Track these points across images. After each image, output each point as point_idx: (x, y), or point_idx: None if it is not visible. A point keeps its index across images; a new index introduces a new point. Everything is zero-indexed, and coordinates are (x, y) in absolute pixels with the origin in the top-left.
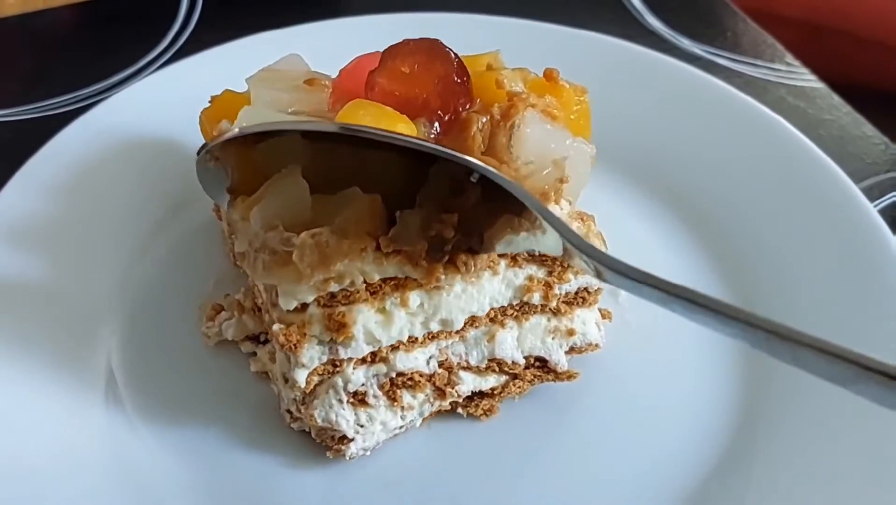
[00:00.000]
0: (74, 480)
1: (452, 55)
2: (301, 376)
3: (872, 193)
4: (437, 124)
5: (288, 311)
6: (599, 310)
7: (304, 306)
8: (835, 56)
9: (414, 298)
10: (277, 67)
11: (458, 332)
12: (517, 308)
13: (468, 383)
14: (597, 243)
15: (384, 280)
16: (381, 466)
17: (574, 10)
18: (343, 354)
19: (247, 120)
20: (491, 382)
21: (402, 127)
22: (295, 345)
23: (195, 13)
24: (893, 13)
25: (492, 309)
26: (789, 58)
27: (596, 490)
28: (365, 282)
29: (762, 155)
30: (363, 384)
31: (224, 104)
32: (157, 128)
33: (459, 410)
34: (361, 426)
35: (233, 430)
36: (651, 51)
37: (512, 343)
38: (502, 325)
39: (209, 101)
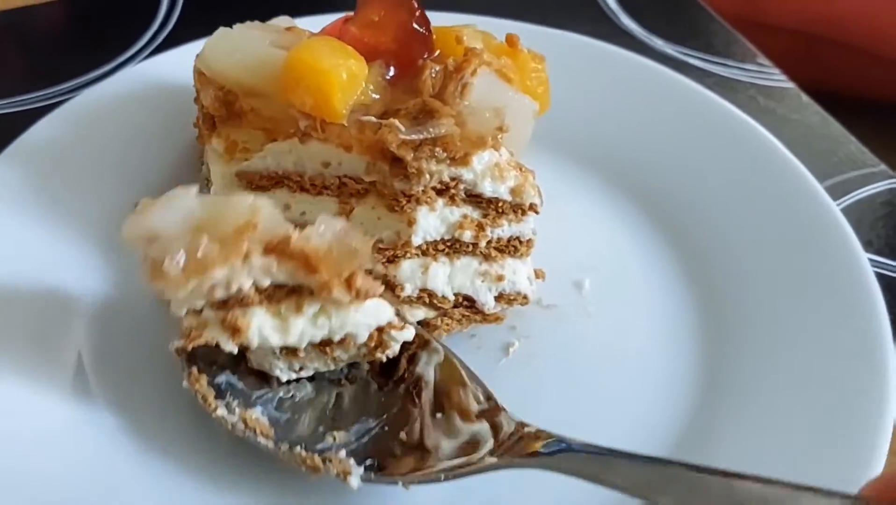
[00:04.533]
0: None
1: (416, 5)
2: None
3: (838, 191)
4: (392, 68)
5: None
6: (535, 270)
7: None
8: (827, 66)
9: (310, 307)
10: (268, 22)
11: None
12: (448, 244)
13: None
14: (531, 193)
15: (277, 287)
16: None
17: (549, 9)
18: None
19: (222, 38)
20: (420, 315)
21: (354, 63)
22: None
23: (175, 12)
24: (886, 24)
25: (425, 242)
26: (761, 58)
27: None
28: (256, 287)
29: (724, 148)
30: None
31: None
32: (132, 121)
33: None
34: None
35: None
36: (618, 48)
37: (444, 278)
38: (435, 258)
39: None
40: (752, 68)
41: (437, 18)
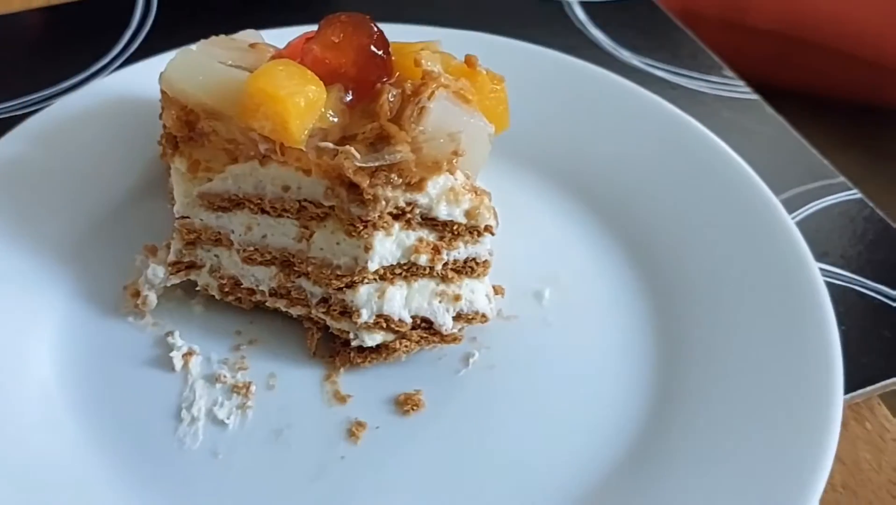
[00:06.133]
0: None
1: (375, 29)
2: None
3: (796, 202)
4: (351, 92)
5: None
6: (494, 286)
7: None
8: (809, 68)
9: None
10: (233, 37)
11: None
12: (405, 267)
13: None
14: (486, 215)
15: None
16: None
17: (517, 20)
18: None
19: (184, 59)
20: (378, 338)
21: (312, 89)
22: None
23: (147, 22)
24: (865, 27)
25: (381, 267)
26: (726, 70)
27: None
28: None
29: (682, 161)
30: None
31: None
32: (100, 134)
33: (357, 359)
34: None
35: None
36: (579, 59)
37: (400, 301)
38: (392, 282)
39: None
40: (716, 80)
41: (401, 31)
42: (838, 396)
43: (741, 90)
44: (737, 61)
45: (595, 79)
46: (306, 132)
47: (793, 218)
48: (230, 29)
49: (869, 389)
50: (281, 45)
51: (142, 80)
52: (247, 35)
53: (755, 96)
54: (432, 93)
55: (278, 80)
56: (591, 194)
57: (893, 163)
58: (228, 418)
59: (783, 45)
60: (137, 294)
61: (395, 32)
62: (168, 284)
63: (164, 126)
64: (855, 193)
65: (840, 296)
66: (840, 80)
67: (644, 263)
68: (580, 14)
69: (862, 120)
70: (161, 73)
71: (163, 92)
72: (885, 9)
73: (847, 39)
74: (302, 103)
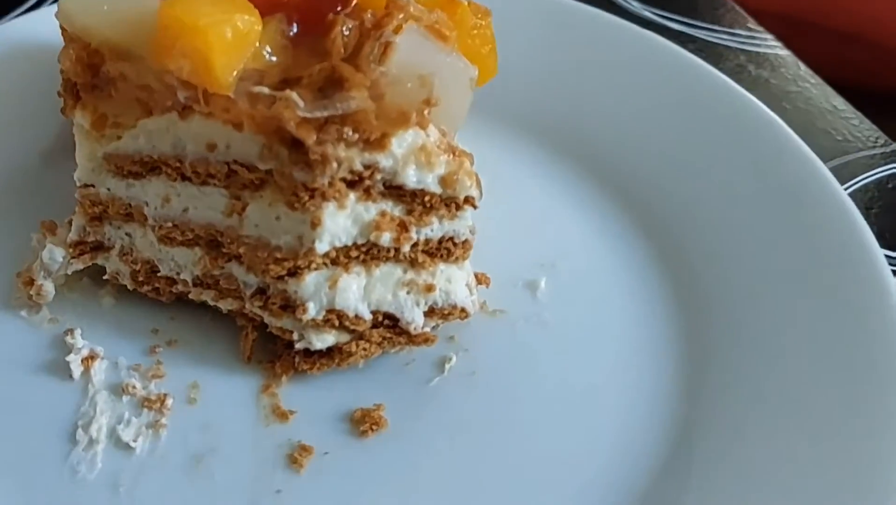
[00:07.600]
0: None
1: None
2: None
3: (842, 174)
4: (295, 24)
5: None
6: (476, 275)
7: None
8: (813, 51)
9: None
10: None
11: None
12: (363, 249)
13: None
14: (467, 183)
15: None
16: None
17: None
18: None
19: None
20: (329, 340)
21: (242, 17)
22: None
23: None
24: (872, 8)
25: (333, 249)
26: (752, 23)
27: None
28: None
29: (708, 122)
30: None
31: None
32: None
33: (303, 365)
34: None
35: None
36: (591, 7)
37: (357, 292)
38: (346, 268)
39: None
40: (741, 33)
41: None
42: None
43: (770, 44)
44: None
45: (598, 22)
46: (235, 73)
47: None
48: None
49: None
50: None
51: (54, 25)
52: None
53: (786, 51)
54: (399, 26)
55: (198, 7)
56: (596, 161)
57: None
58: (135, 441)
59: (789, 28)
60: (32, 282)
61: None
62: (69, 271)
63: (62, 71)
64: None
65: None
66: (849, 64)
67: (662, 247)
68: None
69: (867, 105)
70: (58, 5)
71: (62, 28)
72: None
73: (854, 22)
74: (228, 35)
